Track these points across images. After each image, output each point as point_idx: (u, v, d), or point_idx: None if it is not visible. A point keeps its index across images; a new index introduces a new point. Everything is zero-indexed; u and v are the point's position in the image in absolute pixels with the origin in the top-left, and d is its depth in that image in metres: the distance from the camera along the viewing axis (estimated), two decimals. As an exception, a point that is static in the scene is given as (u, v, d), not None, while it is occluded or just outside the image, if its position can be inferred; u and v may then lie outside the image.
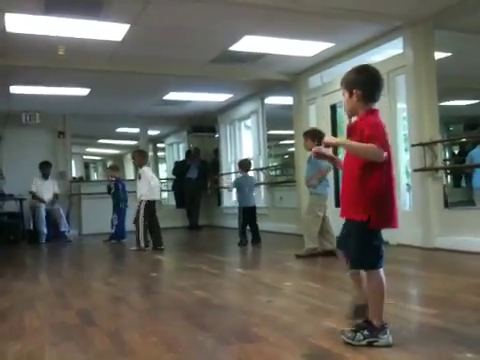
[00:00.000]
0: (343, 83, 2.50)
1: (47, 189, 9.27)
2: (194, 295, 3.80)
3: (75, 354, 2.48)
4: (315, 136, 5.41)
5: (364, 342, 2.32)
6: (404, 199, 6.37)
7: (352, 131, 2.44)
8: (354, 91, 2.42)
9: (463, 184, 9.53)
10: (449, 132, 11.27)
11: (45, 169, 9.34)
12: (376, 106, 2.48)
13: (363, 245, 2.39)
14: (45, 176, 9.33)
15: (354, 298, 2.67)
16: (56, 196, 9.42)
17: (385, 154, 2.29)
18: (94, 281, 4.88)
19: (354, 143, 2.35)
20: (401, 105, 6.32)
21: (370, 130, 2.32)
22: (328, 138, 2.60)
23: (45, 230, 8.94)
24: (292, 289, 4.01)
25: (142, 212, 6.81)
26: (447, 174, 7.90)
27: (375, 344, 2.31)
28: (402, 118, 6.37)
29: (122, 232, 8.38)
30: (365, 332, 2.33)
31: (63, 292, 4.16)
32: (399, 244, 6.00)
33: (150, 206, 6.89)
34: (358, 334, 2.34)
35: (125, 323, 3.03)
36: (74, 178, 11.62)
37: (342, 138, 2.54)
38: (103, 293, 4.21)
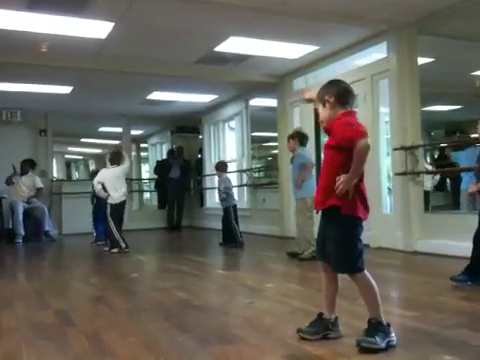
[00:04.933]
0: (317, 98, 2.53)
1: (24, 185, 9.11)
2: (175, 296, 3.77)
3: (53, 354, 2.44)
4: (300, 138, 5.56)
5: (384, 344, 2.28)
6: (385, 203, 6.42)
7: (331, 132, 2.46)
8: (326, 98, 2.46)
9: (446, 188, 9.63)
10: (431, 137, 11.41)
11: (22, 166, 9.17)
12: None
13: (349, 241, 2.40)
14: (22, 173, 9.16)
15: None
16: (39, 190, 9.29)
17: (367, 141, 2.30)
18: (74, 281, 4.82)
19: (351, 171, 2.31)
20: (384, 109, 6.37)
21: (341, 132, 2.35)
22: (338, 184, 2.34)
23: (22, 231, 8.72)
24: (273, 291, 4.01)
25: (108, 212, 6.73)
26: (433, 178, 8.01)
27: (391, 343, 2.30)
28: (384, 122, 6.42)
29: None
30: (381, 334, 2.29)
31: (42, 292, 4.10)
32: (380, 247, 6.04)
33: (114, 206, 6.80)
34: (377, 338, 2.27)
35: (104, 324, 2.99)
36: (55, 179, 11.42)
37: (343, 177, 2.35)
38: (82, 293, 4.16)
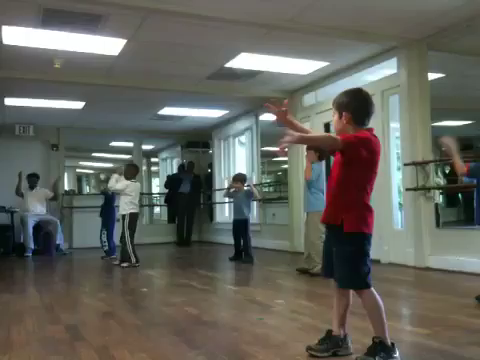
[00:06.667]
0: (334, 104, 2.49)
1: (35, 199, 9.15)
2: (185, 311, 3.76)
3: (62, 370, 2.44)
4: (316, 149, 5.50)
5: None
6: (396, 218, 6.39)
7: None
8: (343, 113, 2.41)
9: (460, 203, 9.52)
10: (442, 152, 11.33)
11: (31, 181, 9.21)
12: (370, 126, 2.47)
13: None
14: (31, 187, 9.21)
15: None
16: (54, 197, 9.38)
17: (340, 141, 2.28)
18: (84, 296, 4.83)
19: (308, 136, 2.43)
20: (394, 124, 6.36)
21: (351, 134, 2.35)
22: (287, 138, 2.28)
23: (32, 245, 8.71)
24: (284, 307, 3.98)
25: (127, 223, 6.77)
26: (440, 193, 7.93)
27: None
28: (395, 137, 6.41)
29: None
30: (382, 354, 2.26)
31: (52, 306, 4.11)
32: (391, 263, 5.99)
33: (134, 216, 6.87)
34: (377, 358, 2.25)
35: (114, 339, 2.98)
36: (66, 192, 11.44)
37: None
38: (93, 308, 4.16)
